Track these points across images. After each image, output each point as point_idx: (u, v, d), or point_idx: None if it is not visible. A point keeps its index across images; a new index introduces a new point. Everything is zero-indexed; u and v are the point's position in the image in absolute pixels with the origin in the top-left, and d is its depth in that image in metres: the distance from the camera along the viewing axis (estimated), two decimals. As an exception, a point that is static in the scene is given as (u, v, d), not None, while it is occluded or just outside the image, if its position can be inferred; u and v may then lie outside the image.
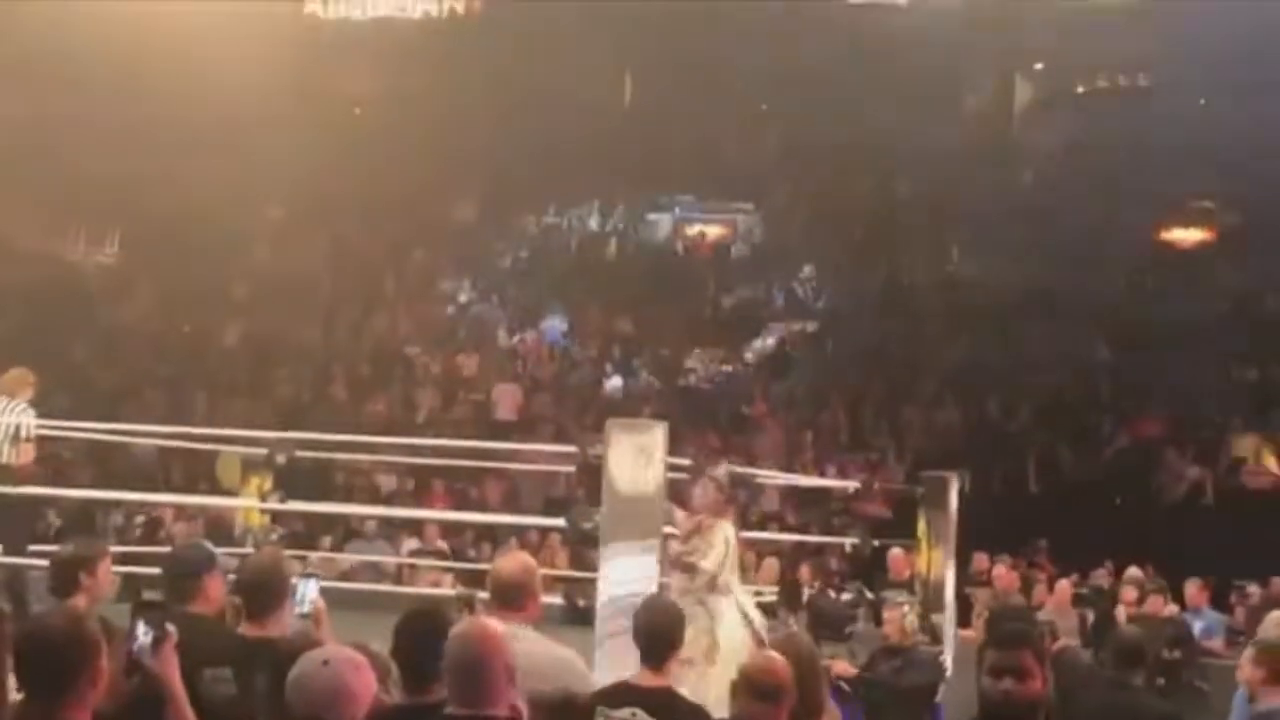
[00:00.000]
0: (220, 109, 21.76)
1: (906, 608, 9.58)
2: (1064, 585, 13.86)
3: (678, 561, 8.20)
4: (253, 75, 21.11)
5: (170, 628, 4.45)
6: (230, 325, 23.73)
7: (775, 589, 12.10)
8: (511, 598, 5.42)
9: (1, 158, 21.40)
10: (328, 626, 5.40)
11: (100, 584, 5.79)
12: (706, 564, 8.07)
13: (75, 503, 14.74)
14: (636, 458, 7.89)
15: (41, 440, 10.72)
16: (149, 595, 4.59)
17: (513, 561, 5.76)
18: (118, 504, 16.17)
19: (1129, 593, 13.14)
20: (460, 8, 24.45)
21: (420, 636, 4.60)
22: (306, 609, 5.40)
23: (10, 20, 22.08)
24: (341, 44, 24.02)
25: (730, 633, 8.00)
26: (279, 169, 23.52)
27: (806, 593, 10.05)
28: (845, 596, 12.97)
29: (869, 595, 12.86)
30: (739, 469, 8.72)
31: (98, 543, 6.15)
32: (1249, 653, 6.45)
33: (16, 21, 22.14)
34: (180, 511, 15.75)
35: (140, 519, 16.12)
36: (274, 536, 13.40)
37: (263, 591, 5.30)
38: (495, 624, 4.54)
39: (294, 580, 5.49)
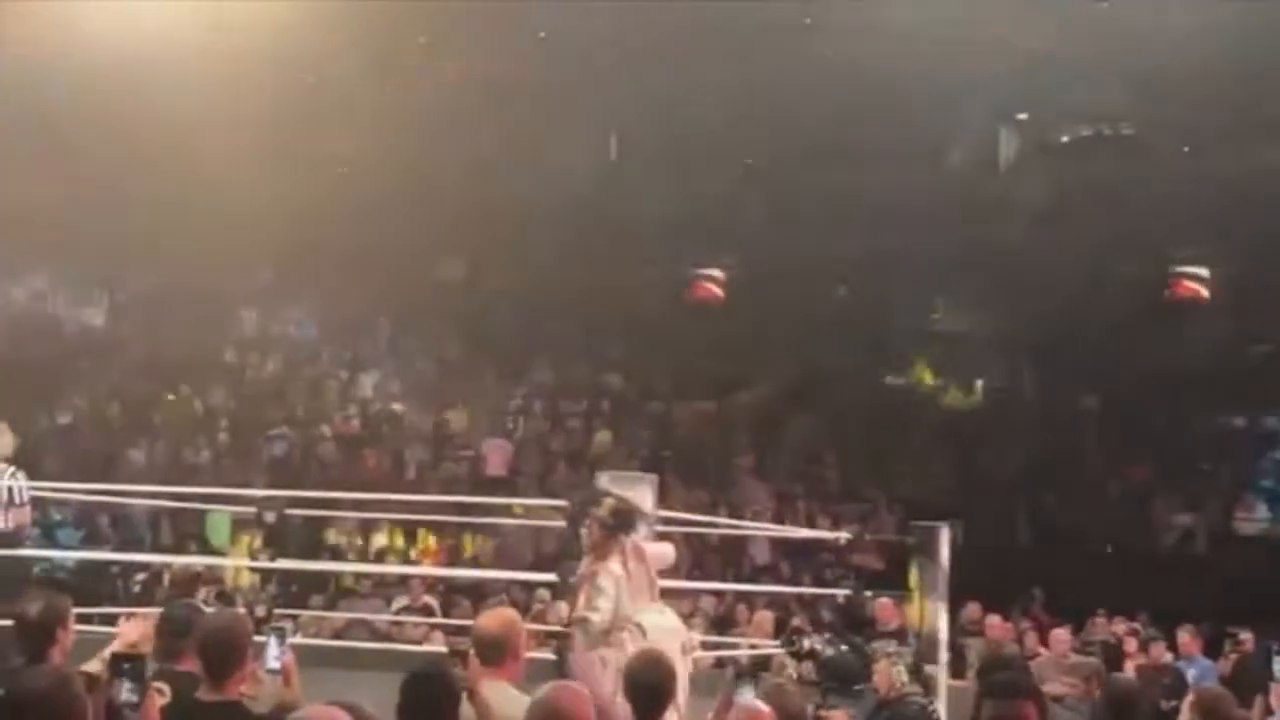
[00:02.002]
0: (206, 171, 21.81)
1: (895, 659, 9.50)
2: (1059, 635, 13.84)
3: (573, 619, 7.92)
4: (240, 136, 21.20)
5: (159, 685, 4.43)
6: (218, 386, 23.72)
7: (771, 642, 12.06)
8: (493, 655, 5.42)
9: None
10: (297, 682, 5.38)
11: (69, 638, 5.77)
12: (596, 617, 7.74)
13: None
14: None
15: (32, 502, 10.67)
16: (126, 649, 4.55)
17: (495, 618, 5.75)
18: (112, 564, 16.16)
19: (1130, 643, 13.16)
20: (444, 70, 24.55)
21: (427, 698, 4.61)
22: (274, 665, 5.37)
23: (-2, 86, 22.18)
24: (327, 104, 24.08)
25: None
26: (267, 230, 23.54)
27: (809, 643, 9.88)
28: (842, 649, 12.93)
29: (865, 648, 12.83)
30: (623, 499, 8.19)
31: (62, 597, 6.10)
32: (1189, 700, 6.38)
33: (3, 88, 22.23)
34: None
35: (141, 577, 16.12)
36: (262, 599, 13.34)
37: (220, 653, 5.21)
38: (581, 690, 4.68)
39: (261, 637, 5.45)
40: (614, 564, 7.77)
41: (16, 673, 4.73)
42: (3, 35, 22.93)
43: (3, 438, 10.03)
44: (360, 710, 4.42)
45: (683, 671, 6.96)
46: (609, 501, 7.98)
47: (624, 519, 7.82)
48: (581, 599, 7.67)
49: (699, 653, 8.15)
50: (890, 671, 9.36)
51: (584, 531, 8.00)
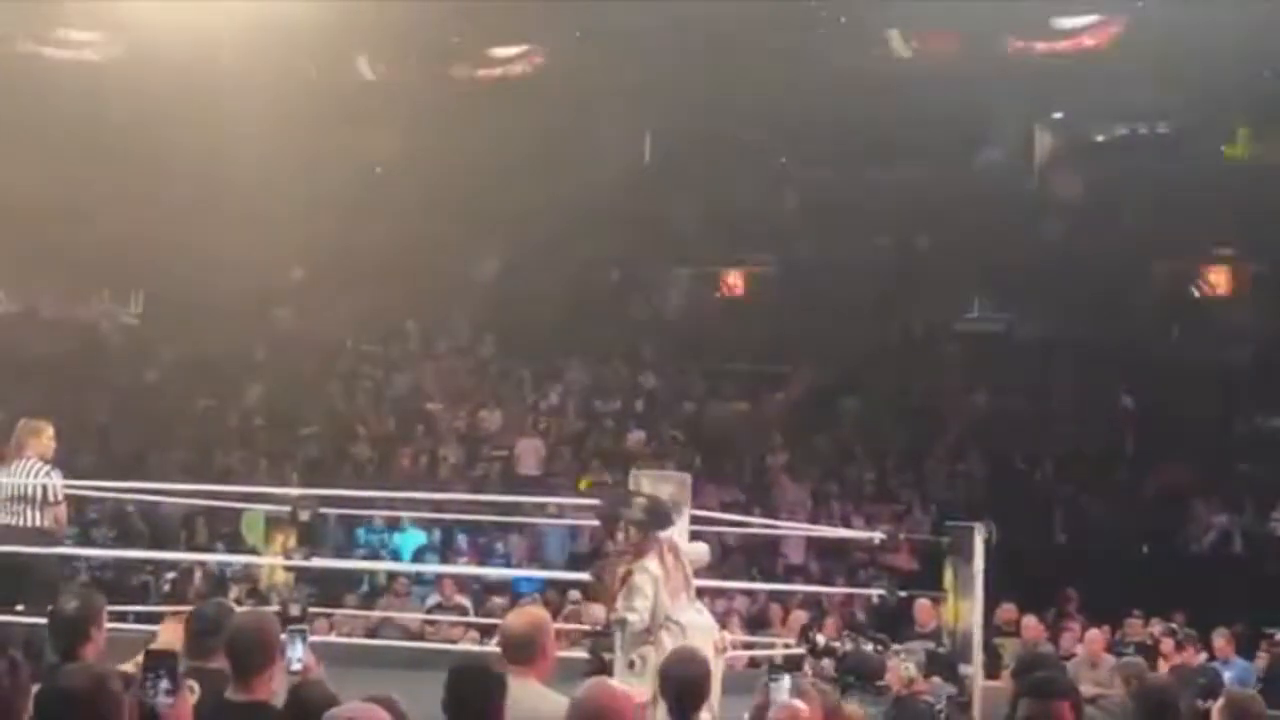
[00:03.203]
0: (241, 171, 21.87)
1: (905, 656, 9.45)
2: (1095, 635, 13.77)
3: (611, 620, 7.89)
4: (274, 136, 21.26)
5: (190, 683, 4.42)
6: (252, 386, 23.79)
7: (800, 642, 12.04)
8: (522, 654, 5.39)
9: (27, 222, 21.56)
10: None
11: (103, 636, 5.79)
12: (634, 617, 7.70)
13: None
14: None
15: (68, 500, 10.69)
16: (160, 647, 4.54)
17: (522, 617, 5.73)
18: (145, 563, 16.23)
19: (1166, 644, 13.09)
20: (482, 72, 24.58)
21: (473, 693, 4.62)
22: (295, 667, 5.35)
23: (33, 87, 22.29)
24: (363, 105, 24.14)
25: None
26: (300, 230, 23.62)
27: (823, 639, 9.80)
28: (862, 645, 12.90)
29: (894, 647, 12.80)
30: (653, 496, 8.11)
31: (97, 595, 6.12)
32: (1219, 703, 6.31)
33: (39, 88, 22.34)
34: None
35: (171, 575, 16.20)
36: (296, 598, 13.36)
37: (248, 652, 5.20)
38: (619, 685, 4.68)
39: (282, 638, 5.43)
40: (651, 563, 7.75)
41: (55, 671, 4.74)
42: (41, 41, 23.11)
43: (41, 437, 10.05)
44: (396, 706, 4.41)
45: (716, 670, 6.96)
46: (639, 500, 7.97)
47: (657, 516, 7.81)
48: (620, 600, 7.65)
49: (733, 652, 8.15)
50: (900, 669, 9.31)
51: (619, 535, 7.98)
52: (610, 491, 8.57)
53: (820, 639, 9.57)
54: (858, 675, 9.31)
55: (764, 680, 5.87)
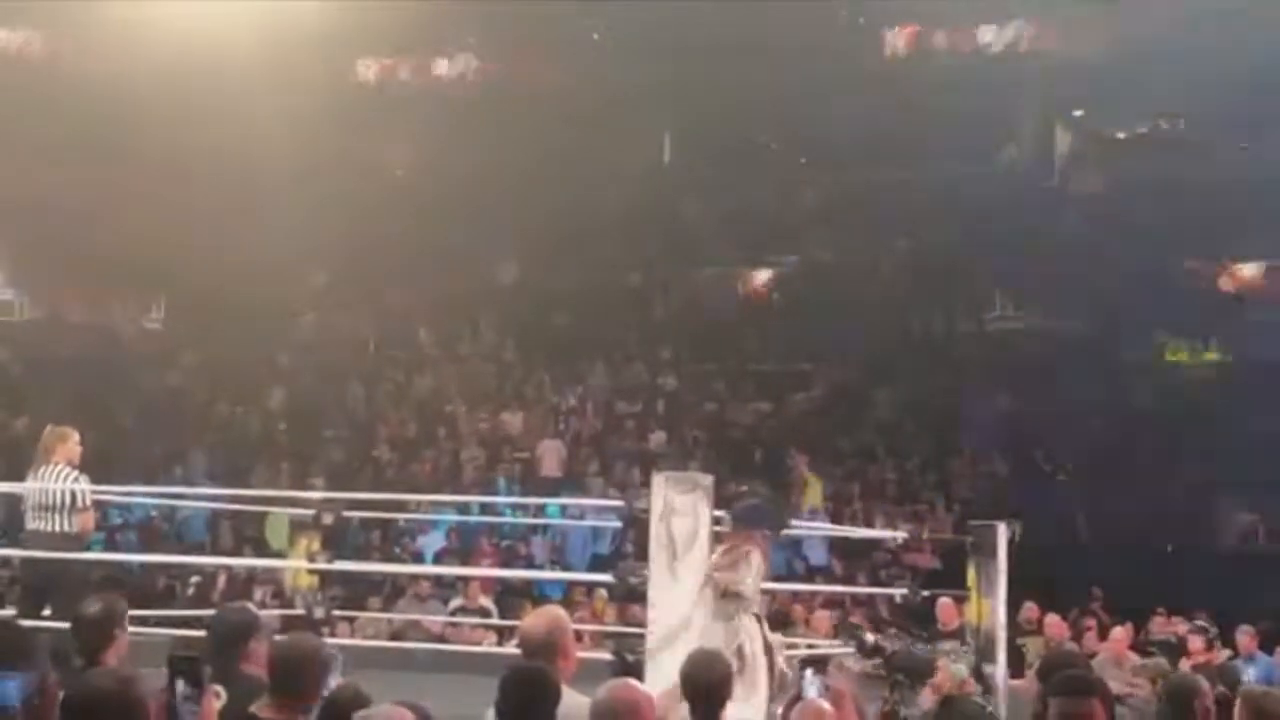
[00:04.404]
0: (263, 176, 21.95)
1: (956, 656, 9.43)
2: (1119, 633, 13.74)
3: (715, 586, 7.96)
4: (296, 141, 21.32)
5: (215, 687, 4.42)
6: (275, 390, 23.86)
7: (827, 642, 12.02)
8: (541, 655, 5.37)
9: (51, 228, 21.66)
10: None
11: (125, 639, 5.82)
12: (746, 590, 7.79)
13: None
14: (684, 509, 7.82)
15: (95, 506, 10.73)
16: (184, 651, 4.53)
17: (540, 619, 5.68)
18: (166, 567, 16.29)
19: (1195, 642, 13.05)
20: (502, 73, 24.63)
21: (529, 696, 4.65)
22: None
23: (55, 93, 22.38)
24: (383, 109, 24.21)
25: (755, 647, 7.83)
26: (322, 234, 23.68)
27: (871, 638, 9.78)
28: (910, 644, 12.95)
29: (943, 647, 12.84)
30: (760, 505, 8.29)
31: (119, 599, 6.14)
32: (1238, 701, 6.28)
33: (61, 94, 22.43)
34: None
35: (195, 579, 16.26)
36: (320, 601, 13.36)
37: (293, 677, 5.09)
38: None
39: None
40: (757, 551, 7.87)
41: (82, 674, 4.76)
42: (58, 44, 23.22)
43: (69, 442, 10.09)
44: (425, 711, 4.43)
45: (760, 673, 7.01)
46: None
47: (760, 514, 8.01)
48: (738, 572, 7.73)
49: (789, 653, 8.21)
50: (951, 669, 9.28)
51: (726, 519, 8.07)
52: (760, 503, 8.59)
53: (870, 638, 9.54)
54: (907, 674, 9.26)
55: (795, 678, 5.88)
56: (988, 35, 22.35)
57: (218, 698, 5.07)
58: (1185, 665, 12.48)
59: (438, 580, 16.45)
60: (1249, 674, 12.78)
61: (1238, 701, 6.11)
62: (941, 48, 22.34)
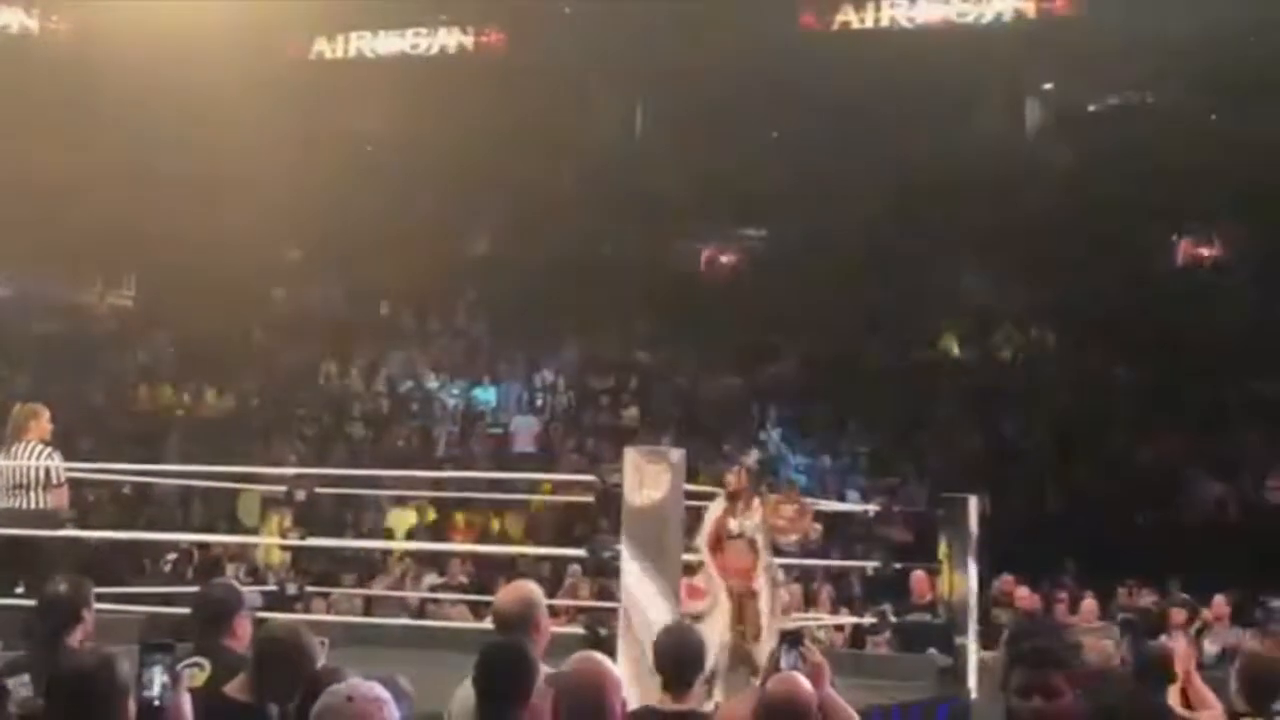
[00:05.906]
0: (234, 152, 21.88)
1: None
2: (1089, 605, 13.82)
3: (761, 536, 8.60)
4: (265, 117, 21.25)
5: (180, 670, 4.33)
6: (247, 366, 23.81)
7: (799, 614, 12.09)
8: (513, 630, 5.38)
9: (20, 206, 21.55)
10: None
11: (93, 618, 5.81)
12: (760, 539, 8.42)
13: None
14: (655, 483, 7.85)
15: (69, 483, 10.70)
16: (156, 638, 4.40)
17: (512, 593, 5.66)
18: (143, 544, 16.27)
19: (1178, 614, 13.11)
20: (470, 45, 24.57)
21: (505, 670, 4.67)
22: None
23: (24, 72, 22.28)
24: (351, 83, 24.15)
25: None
26: (295, 210, 23.62)
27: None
28: (869, 620, 13.05)
29: (893, 619, 12.92)
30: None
31: (85, 579, 6.12)
32: (1236, 664, 6.34)
33: (30, 73, 22.34)
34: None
35: (171, 556, 16.24)
36: (292, 577, 13.34)
37: (278, 668, 4.87)
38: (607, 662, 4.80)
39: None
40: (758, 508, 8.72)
41: (61, 653, 4.74)
42: (26, 24, 23.10)
43: (40, 420, 10.08)
44: (397, 684, 4.43)
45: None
46: (755, 453, 8.71)
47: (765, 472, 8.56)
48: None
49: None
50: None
51: (730, 476, 8.87)
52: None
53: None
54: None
55: (774, 649, 5.92)
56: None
57: (201, 670, 5.07)
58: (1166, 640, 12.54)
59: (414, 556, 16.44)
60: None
61: (1236, 667, 6.18)
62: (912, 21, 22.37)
